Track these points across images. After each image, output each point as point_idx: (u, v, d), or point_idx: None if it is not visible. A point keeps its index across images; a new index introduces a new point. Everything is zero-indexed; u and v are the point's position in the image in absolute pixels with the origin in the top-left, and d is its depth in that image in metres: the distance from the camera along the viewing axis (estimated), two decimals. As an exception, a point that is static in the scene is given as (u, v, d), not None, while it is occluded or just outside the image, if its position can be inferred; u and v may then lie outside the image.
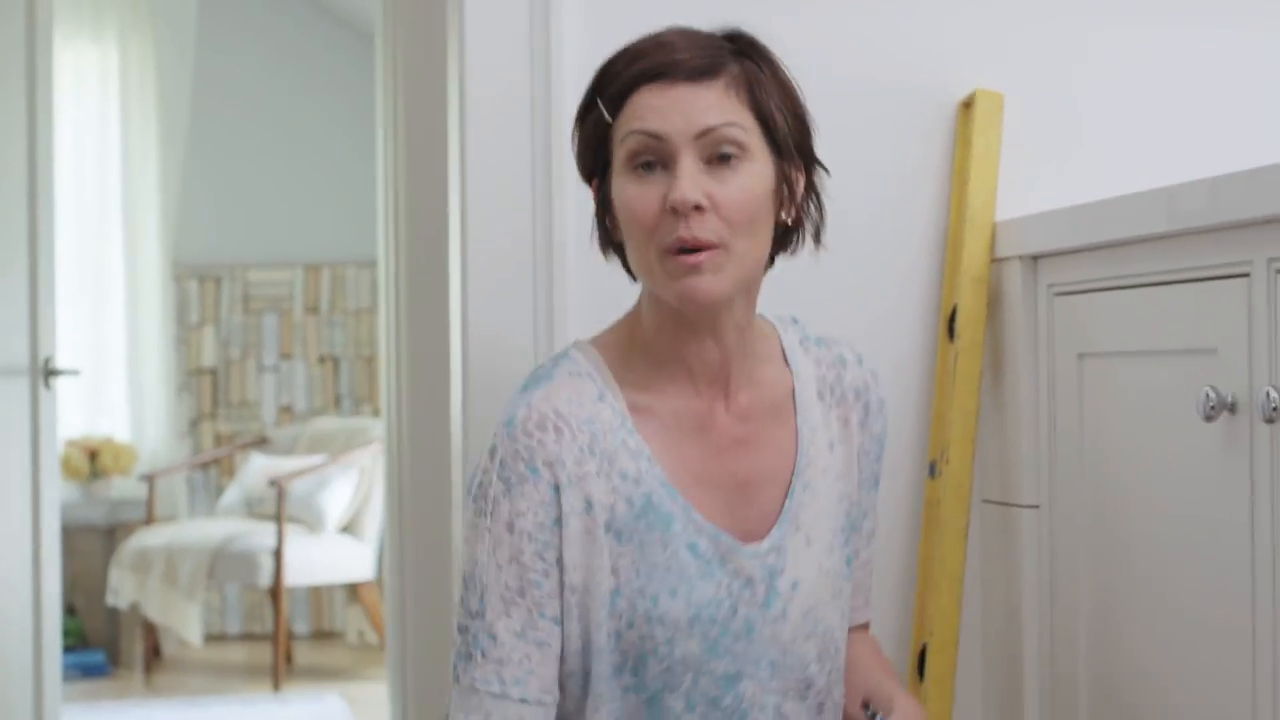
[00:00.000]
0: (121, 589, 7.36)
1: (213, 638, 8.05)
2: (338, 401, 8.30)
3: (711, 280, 1.85)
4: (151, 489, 7.76)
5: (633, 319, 1.98)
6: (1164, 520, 2.22)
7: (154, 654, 7.71)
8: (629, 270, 1.97)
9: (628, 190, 1.86)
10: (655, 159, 1.85)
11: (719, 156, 1.85)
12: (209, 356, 8.38)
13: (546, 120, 2.54)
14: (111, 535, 7.90)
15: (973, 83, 2.66)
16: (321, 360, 8.30)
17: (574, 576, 1.88)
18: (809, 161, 1.95)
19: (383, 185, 4.79)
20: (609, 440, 1.89)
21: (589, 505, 1.88)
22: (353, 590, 7.72)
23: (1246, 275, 2.01)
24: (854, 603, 2.13)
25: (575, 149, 1.96)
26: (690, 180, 1.83)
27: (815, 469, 2.00)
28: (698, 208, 1.83)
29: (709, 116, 1.85)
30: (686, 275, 1.84)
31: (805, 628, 1.98)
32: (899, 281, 2.68)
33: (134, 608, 7.51)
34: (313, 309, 8.33)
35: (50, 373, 4.67)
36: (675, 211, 1.83)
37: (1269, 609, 1.98)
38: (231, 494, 7.90)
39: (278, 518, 7.10)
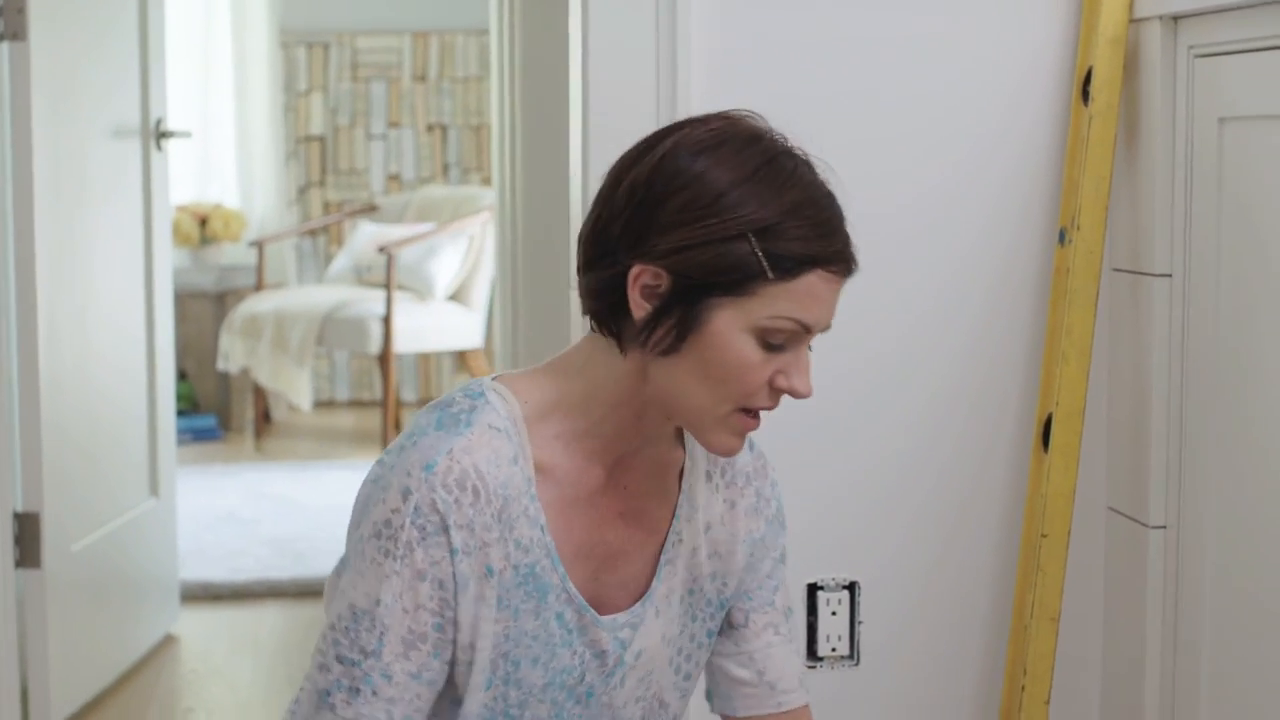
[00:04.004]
0: (232, 354, 7.43)
1: (321, 403, 8.13)
2: (445, 170, 8.27)
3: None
4: (261, 255, 7.80)
5: (567, 378, 1.89)
6: (1305, 289, 2.16)
7: (264, 419, 7.80)
8: (601, 327, 1.86)
9: (745, 349, 1.79)
10: (787, 340, 1.80)
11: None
12: (317, 124, 8.36)
13: None
14: (222, 301, 7.96)
15: None
16: (430, 128, 8.27)
17: (464, 635, 1.87)
18: None
19: (495, -54, 4.71)
20: (514, 507, 1.85)
21: (489, 571, 1.85)
22: (460, 358, 7.75)
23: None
24: (787, 685, 2.06)
25: (657, 233, 1.79)
26: (809, 373, 1.82)
27: (685, 547, 1.97)
28: None
29: (835, 311, 1.83)
30: (738, 438, 1.84)
31: (637, 691, 1.98)
32: (1032, 44, 2.60)
33: (244, 373, 7.58)
34: (420, 77, 8.27)
35: (162, 134, 4.65)
36: (781, 393, 1.81)
37: None
38: (340, 261, 7.92)
39: (387, 285, 7.11)
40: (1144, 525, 2.52)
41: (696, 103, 2.53)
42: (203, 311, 7.89)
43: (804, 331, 1.79)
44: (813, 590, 2.60)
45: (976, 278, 2.61)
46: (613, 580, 1.94)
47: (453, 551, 1.82)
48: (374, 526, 1.81)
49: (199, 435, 7.63)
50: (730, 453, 1.85)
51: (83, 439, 4.18)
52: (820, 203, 1.79)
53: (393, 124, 8.29)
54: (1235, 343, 2.33)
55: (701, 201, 1.76)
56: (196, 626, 4.94)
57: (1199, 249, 2.41)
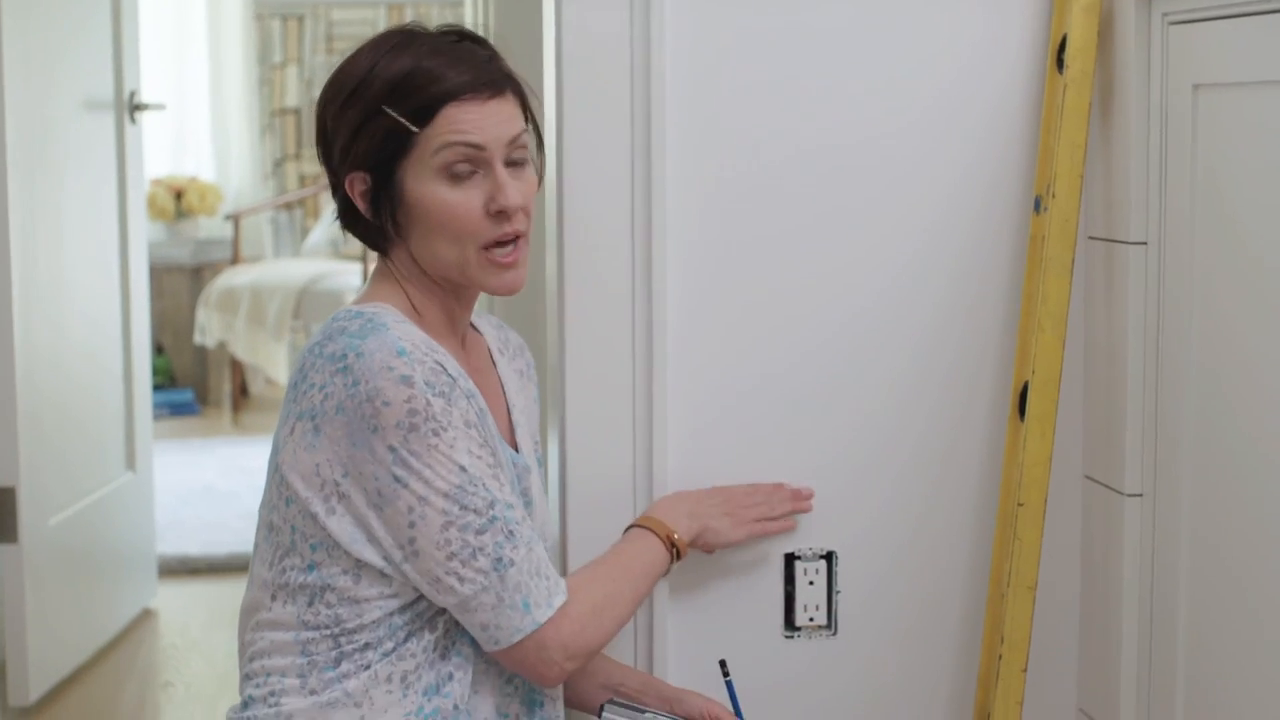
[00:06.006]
0: (209, 328, 7.42)
1: (299, 377, 8.11)
2: (422, 142, 8.25)
3: (521, 271, 2.13)
4: (237, 229, 7.78)
5: (397, 290, 2.13)
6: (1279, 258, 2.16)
7: (241, 393, 7.79)
8: (375, 247, 2.17)
9: (446, 196, 2.06)
10: (472, 167, 2.06)
11: (514, 161, 2.11)
12: (292, 97, 8.34)
13: None
14: (198, 275, 7.94)
15: None
16: (405, 100, 8.24)
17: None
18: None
19: (469, -83, 4.69)
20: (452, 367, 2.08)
21: (481, 413, 2.09)
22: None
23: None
24: None
25: (337, 141, 2.09)
26: (514, 185, 2.08)
27: (517, 408, 2.26)
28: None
29: (512, 126, 2.10)
30: (505, 270, 2.10)
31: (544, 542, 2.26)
32: (1005, 11, 2.59)
33: (221, 347, 7.57)
34: (396, 48, 8.24)
35: (136, 107, 4.64)
36: (501, 214, 2.07)
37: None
38: (317, 234, 7.91)
39: (363, 257, 7.10)
40: (1120, 493, 2.52)
41: (669, 62, 2.52)
42: (179, 285, 7.88)
43: (479, 151, 2.06)
44: (790, 560, 2.60)
45: (951, 246, 2.60)
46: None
47: (468, 395, 2.04)
48: (401, 429, 1.98)
49: (176, 409, 7.61)
50: (512, 288, 2.11)
51: (59, 413, 4.17)
52: (442, 50, 2.07)
53: (368, 96, 8.26)
54: (1210, 310, 2.33)
55: (349, 98, 2.06)
56: (174, 600, 4.95)
57: (1174, 216, 2.40)
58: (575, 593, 2.10)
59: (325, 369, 2.00)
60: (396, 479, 1.98)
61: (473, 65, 2.09)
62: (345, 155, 2.09)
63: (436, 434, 1.98)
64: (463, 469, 1.99)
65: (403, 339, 2.01)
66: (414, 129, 2.04)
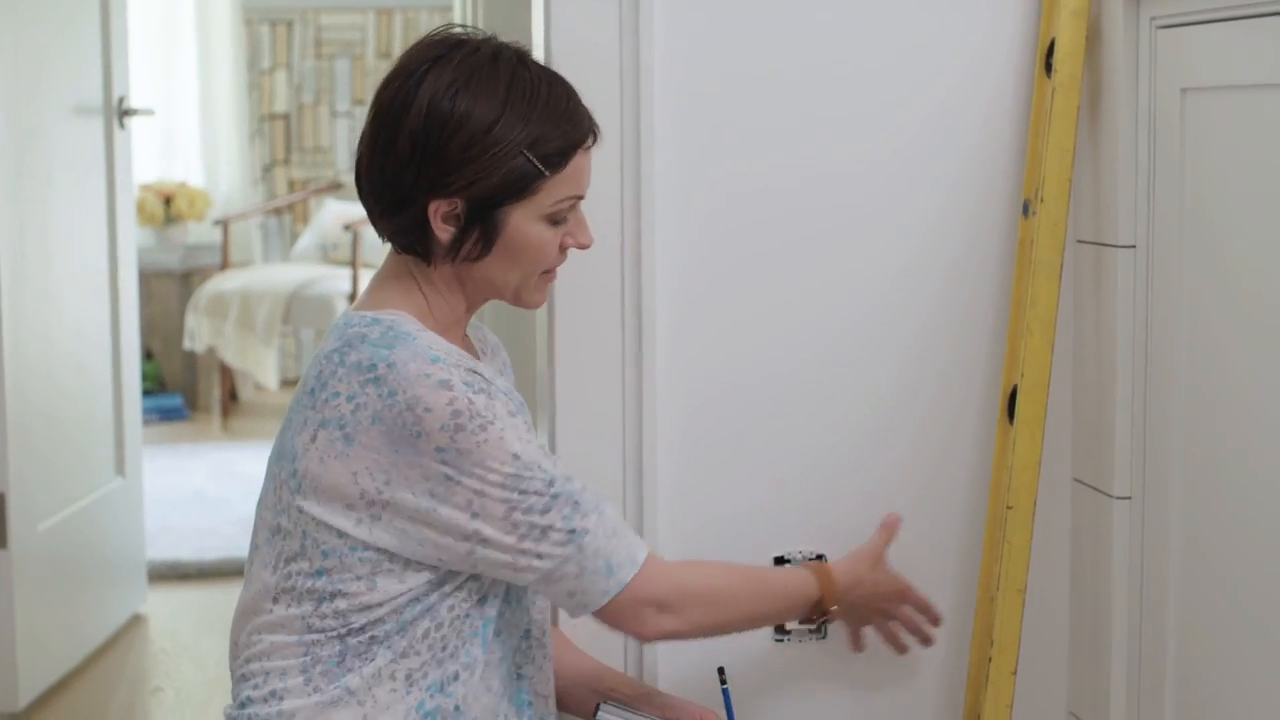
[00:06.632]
0: (198, 333, 7.41)
1: (289, 382, 8.11)
2: (411, 147, 8.24)
3: None
4: (226, 234, 7.77)
5: (411, 292, 2.15)
6: (1269, 260, 2.16)
7: (231, 398, 7.78)
8: (415, 254, 2.14)
9: (541, 234, 2.12)
10: (569, 213, 2.14)
11: None
12: (281, 102, 8.33)
13: None
14: (187, 280, 7.93)
15: None
16: (394, 105, 8.23)
17: None
18: None
19: (457, -78, 4.69)
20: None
21: (520, 405, 2.13)
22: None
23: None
24: None
25: (436, 171, 2.06)
26: (588, 226, 2.19)
27: None
28: None
29: None
30: (545, 288, 2.20)
31: None
32: (994, 16, 2.59)
33: (211, 352, 7.56)
34: (385, 54, 8.25)
35: (124, 112, 4.63)
36: (566, 250, 2.17)
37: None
38: (306, 239, 7.90)
39: (352, 263, 7.09)
40: (1109, 496, 2.52)
41: (659, 68, 2.52)
42: (168, 291, 7.87)
43: (580, 200, 2.14)
44: (779, 563, 2.60)
45: (941, 250, 2.61)
46: None
47: (505, 392, 2.08)
48: (446, 431, 2.00)
49: (165, 415, 7.60)
50: (541, 304, 2.20)
51: (48, 419, 4.16)
52: (559, 96, 2.11)
53: (357, 101, 8.27)
54: (1199, 313, 2.34)
55: (476, 138, 2.04)
56: (164, 606, 4.94)
57: (1162, 220, 2.41)
58: (699, 567, 2.27)
59: (352, 379, 2.01)
60: (448, 477, 2.00)
61: (582, 108, 2.14)
62: (444, 185, 2.06)
63: (484, 429, 2.00)
64: (516, 456, 2.02)
65: (433, 346, 2.04)
66: (548, 174, 2.08)
